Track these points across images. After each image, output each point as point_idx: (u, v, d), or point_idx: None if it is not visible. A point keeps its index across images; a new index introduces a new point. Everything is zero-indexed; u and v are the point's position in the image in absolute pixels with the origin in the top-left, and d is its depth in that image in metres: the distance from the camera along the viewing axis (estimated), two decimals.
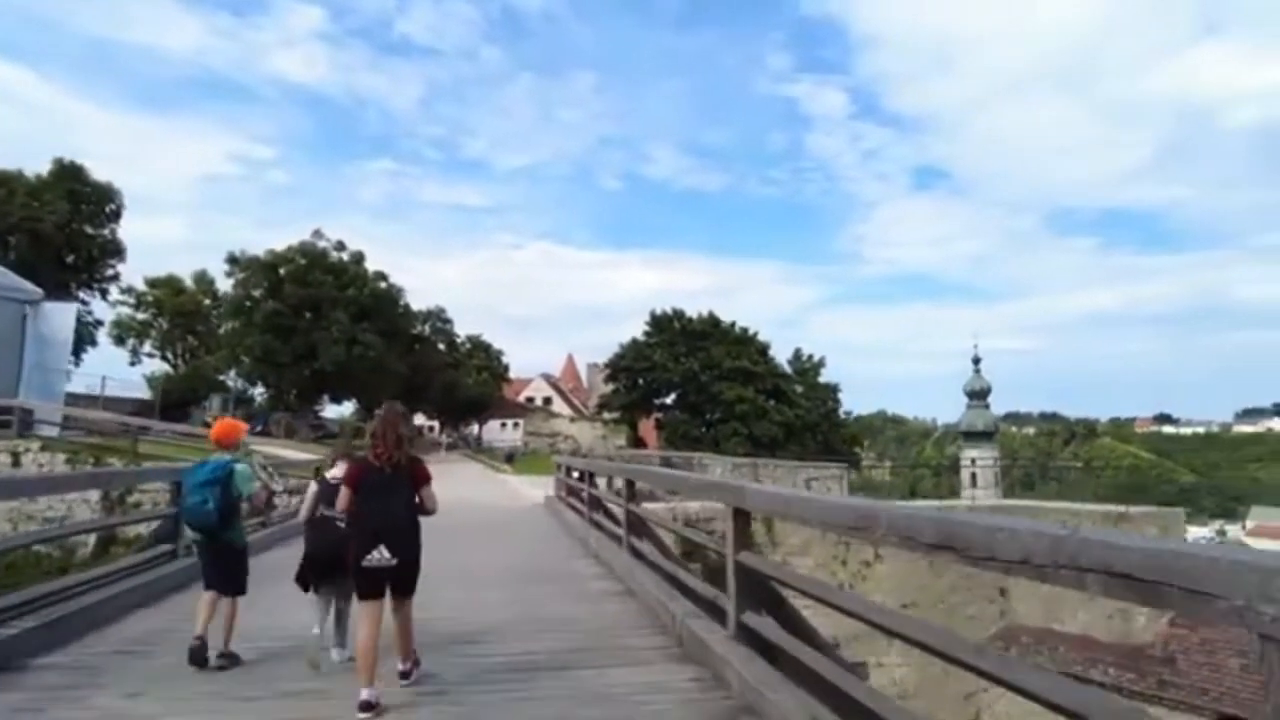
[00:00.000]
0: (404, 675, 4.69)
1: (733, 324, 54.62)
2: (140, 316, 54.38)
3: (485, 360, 66.74)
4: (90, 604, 6.23)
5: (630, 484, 8.81)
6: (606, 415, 58.91)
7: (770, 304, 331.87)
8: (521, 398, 79.18)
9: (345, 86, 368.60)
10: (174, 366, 54.71)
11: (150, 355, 55.06)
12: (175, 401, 43.02)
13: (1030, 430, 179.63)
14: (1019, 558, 2.22)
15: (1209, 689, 14.73)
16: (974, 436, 60.68)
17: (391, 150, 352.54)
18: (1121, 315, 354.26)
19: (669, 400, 53.76)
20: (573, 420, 68.81)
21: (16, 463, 19.59)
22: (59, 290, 34.23)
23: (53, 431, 22.97)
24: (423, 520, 4.62)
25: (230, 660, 5.07)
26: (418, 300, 55.49)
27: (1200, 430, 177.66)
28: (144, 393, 44.00)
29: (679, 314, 54.62)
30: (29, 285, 25.72)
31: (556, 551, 10.90)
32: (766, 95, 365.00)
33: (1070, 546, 2.03)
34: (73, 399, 29.25)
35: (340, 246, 46.75)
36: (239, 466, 5.31)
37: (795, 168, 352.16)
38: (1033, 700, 2.29)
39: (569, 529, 13.09)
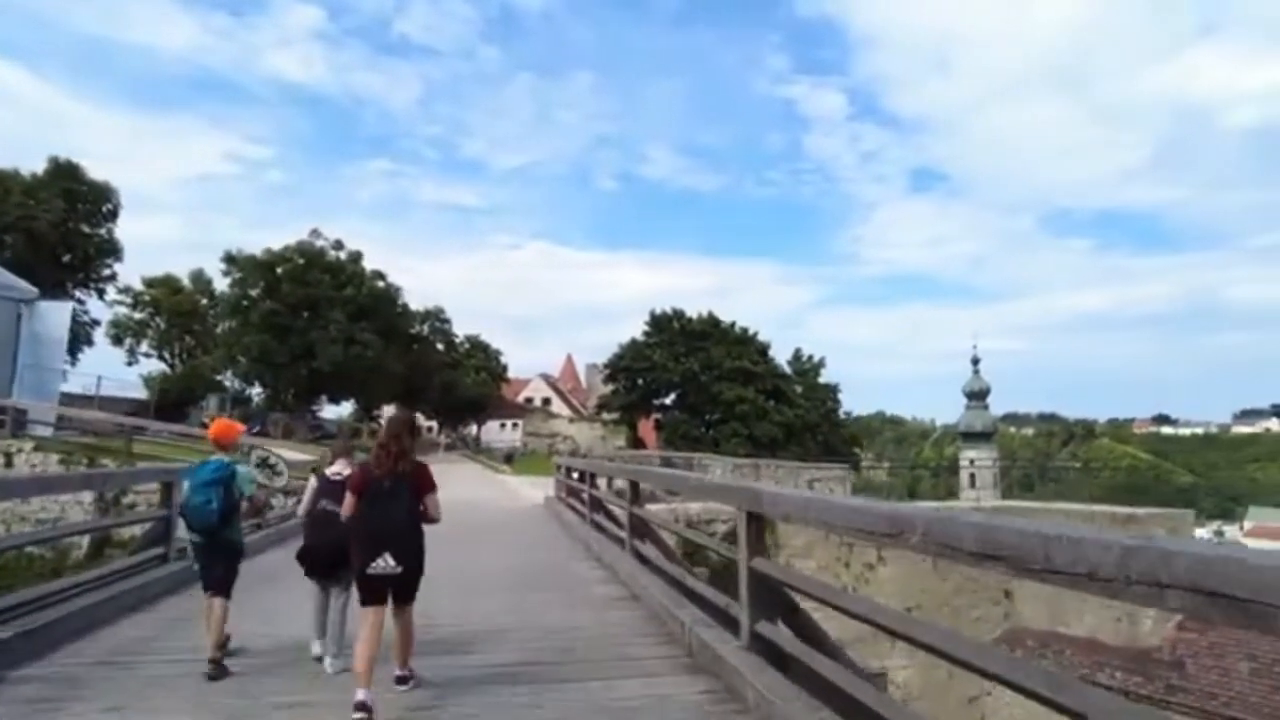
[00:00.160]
0: (401, 681, 4.56)
1: (732, 324, 54.40)
2: (137, 316, 54.06)
3: (484, 360, 66.53)
4: (75, 610, 5.98)
5: (634, 486, 8.58)
6: (606, 416, 58.72)
7: (768, 305, 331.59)
8: (520, 398, 78.98)
9: (343, 86, 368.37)
10: (171, 366, 54.41)
11: (147, 355, 54.80)
12: (173, 401, 42.80)
13: (1029, 431, 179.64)
14: (1083, 570, 2.00)
15: (1218, 693, 14.52)
16: (973, 437, 60.63)
17: (389, 150, 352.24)
18: (1119, 316, 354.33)
19: (668, 400, 53.55)
20: (572, 421, 68.69)
21: (9, 463, 19.36)
22: (55, 290, 34.03)
23: (47, 432, 22.72)
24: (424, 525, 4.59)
25: (219, 669, 4.88)
26: (416, 300, 55.33)
27: (1198, 431, 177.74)
28: (141, 393, 43.80)
29: (678, 314, 54.40)
30: (23, 284, 25.47)
31: (557, 554, 10.68)
32: (764, 96, 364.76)
33: (1147, 559, 1.80)
34: (68, 399, 29.03)
35: (338, 246, 46.47)
36: (240, 468, 5.39)
37: (793, 168, 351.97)
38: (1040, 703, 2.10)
39: (570, 531, 12.88)
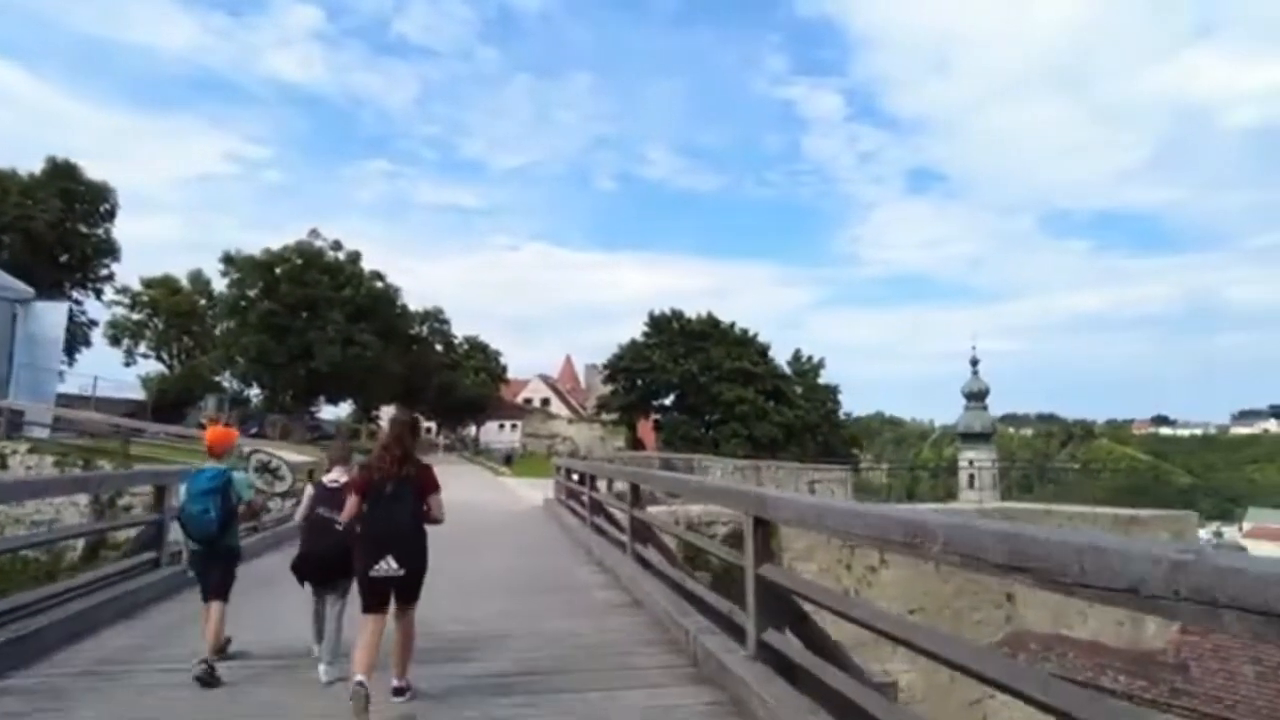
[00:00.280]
0: (398, 692, 4.41)
1: (732, 325, 54.28)
2: (135, 317, 53.79)
3: (483, 361, 66.31)
4: (63, 618, 5.82)
5: (635, 488, 8.44)
6: (605, 416, 58.55)
7: (767, 305, 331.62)
8: (519, 399, 78.81)
9: (341, 86, 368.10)
10: (170, 367, 54.18)
11: (146, 356, 54.56)
12: (171, 402, 42.62)
13: (1028, 432, 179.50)
14: (1123, 585, 1.86)
15: (1223, 697, 14.39)
16: (972, 438, 60.45)
17: (387, 151, 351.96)
18: (1117, 317, 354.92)
19: (667, 401, 53.41)
20: (571, 421, 68.50)
21: (4, 465, 19.22)
22: (53, 290, 33.87)
23: (43, 433, 22.58)
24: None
25: (210, 673, 4.76)
26: (414, 301, 55.12)
27: (1197, 432, 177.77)
28: (139, 394, 43.63)
29: (678, 315, 54.26)
30: (19, 284, 25.31)
31: (557, 558, 10.54)
32: (763, 97, 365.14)
33: (1199, 575, 1.66)
34: (65, 400, 28.86)
35: (336, 246, 46.23)
36: (236, 474, 5.41)
37: (791, 169, 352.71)
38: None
39: (570, 533, 12.74)
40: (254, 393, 49.68)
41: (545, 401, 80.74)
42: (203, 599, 5.23)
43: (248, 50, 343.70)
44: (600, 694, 4.55)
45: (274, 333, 42.04)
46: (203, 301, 54.62)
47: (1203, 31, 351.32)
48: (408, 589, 4.42)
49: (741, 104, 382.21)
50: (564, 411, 76.94)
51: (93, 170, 42.23)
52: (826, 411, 55.48)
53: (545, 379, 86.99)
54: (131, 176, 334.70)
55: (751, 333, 54.57)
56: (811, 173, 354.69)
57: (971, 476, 53.25)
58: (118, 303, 51.70)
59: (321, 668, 4.91)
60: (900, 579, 18.00)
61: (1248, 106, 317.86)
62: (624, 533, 8.89)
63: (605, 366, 55.37)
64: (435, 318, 60.34)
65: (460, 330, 65.78)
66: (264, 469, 12.61)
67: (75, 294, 41.95)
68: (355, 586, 4.53)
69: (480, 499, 20.55)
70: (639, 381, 52.55)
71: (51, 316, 26.88)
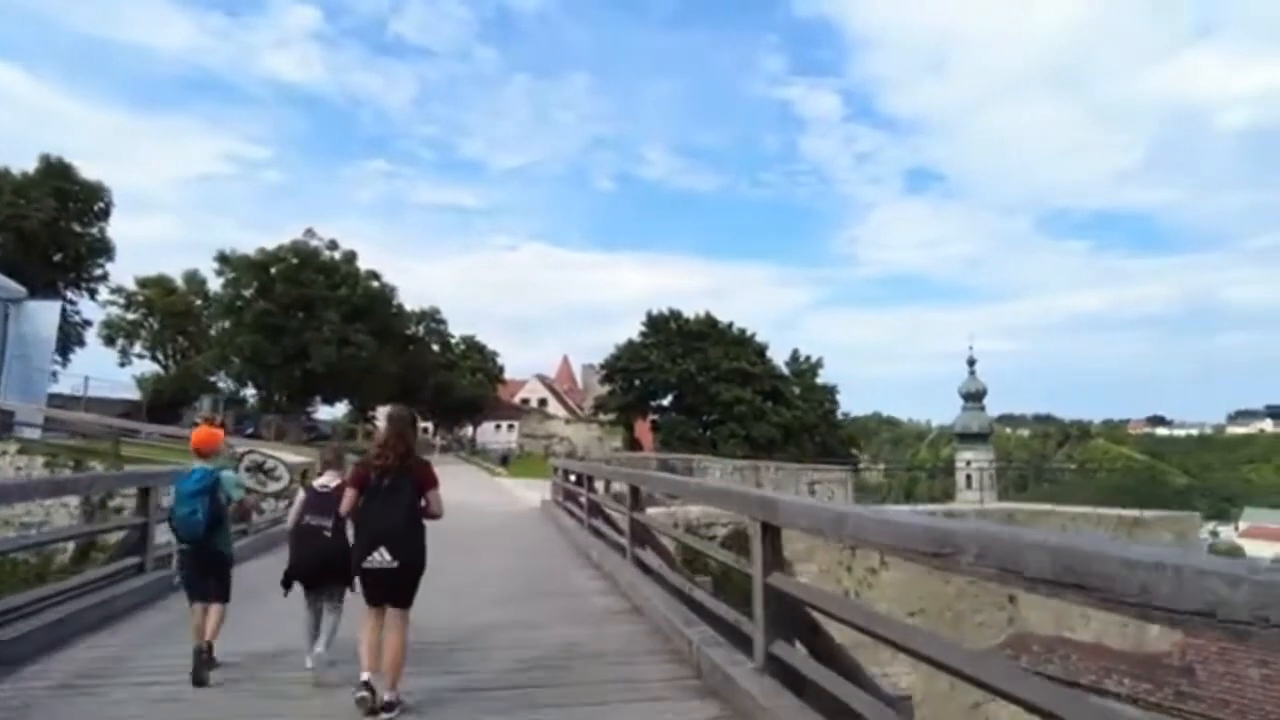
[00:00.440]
0: (388, 707, 4.19)
1: (730, 325, 54.10)
2: (130, 317, 53.35)
3: (480, 361, 66.14)
4: (41, 626, 5.59)
5: (635, 490, 8.21)
6: (602, 417, 58.31)
7: (765, 306, 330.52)
8: (516, 399, 78.62)
9: (340, 87, 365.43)
10: (165, 367, 53.81)
11: (140, 356, 54.13)
12: (166, 402, 42.35)
13: (1024, 432, 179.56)
14: (1194, 607, 1.65)
15: (1230, 700, 14.19)
16: (969, 438, 60.30)
17: (386, 151, 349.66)
18: (1114, 317, 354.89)
19: (665, 401, 53.21)
20: (568, 422, 68.22)
21: None
22: (47, 289, 33.59)
23: (34, 434, 22.30)
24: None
25: (206, 669, 4.74)
26: (411, 301, 54.90)
27: (1193, 432, 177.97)
28: (134, 394, 43.32)
29: (675, 315, 54.06)
30: (11, 283, 25.03)
31: (555, 562, 10.31)
32: (760, 97, 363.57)
33: None
34: (58, 400, 28.59)
35: (332, 245, 45.98)
36: (224, 474, 5.38)
37: (789, 170, 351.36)
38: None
39: (567, 536, 12.52)
40: (249, 393, 49.42)
41: (543, 402, 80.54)
42: (189, 601, 5.16)
43: (246, 50, 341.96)
44: (599, 707, 4.35)
45: (269, 333, 41.77)
46: (198, 301, 54.28)
47: (1202, 32, 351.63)
48: (401, 586, 4.31)
49: (739, 104, 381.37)
50: (561, 412, 76.73)
51: (91, 170, 42.16)
52: (824, 412, 55.31)
53: (542, 379, 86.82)
54: (130, 176, 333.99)
55: (749, 333, 54.44)
56: (809, 173, 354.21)
57: (969, 477, 53.16)
58: (112, 302, 51.35)
59: (309, 656, 4.85)
60: (901, 580, 17.82)
61: (1246, 107, 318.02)
62: (623, 536, 8.67)
63: (603, 367, 55.17)
64: (432, 317, 60.13)
65: (458, 330, 65.78)
66: (257, 469, 12.41)
67: (69, 294, 41.61)
68: (357, 587, 4.45)
69: (476, 500, 20.31)
70: (637, 382, 52.35)
71: (44, 316, 26.58)
